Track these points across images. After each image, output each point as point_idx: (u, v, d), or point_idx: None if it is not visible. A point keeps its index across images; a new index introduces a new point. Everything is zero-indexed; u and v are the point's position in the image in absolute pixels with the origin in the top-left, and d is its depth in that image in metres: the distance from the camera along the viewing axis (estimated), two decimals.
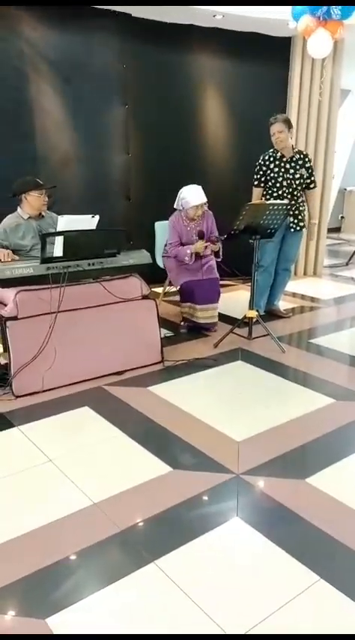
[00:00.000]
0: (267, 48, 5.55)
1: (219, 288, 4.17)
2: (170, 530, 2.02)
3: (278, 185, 4.33)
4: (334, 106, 5.94)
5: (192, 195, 4.14)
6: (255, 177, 4.41)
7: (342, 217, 10.08)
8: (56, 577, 1.78)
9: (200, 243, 4.10)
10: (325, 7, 4.30)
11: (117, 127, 5.06)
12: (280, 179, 4.32)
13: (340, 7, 4.31)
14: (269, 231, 3.88)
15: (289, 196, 4.32)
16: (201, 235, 4.13)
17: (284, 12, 4.66)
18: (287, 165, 4.31)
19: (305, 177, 4.35)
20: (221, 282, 4.26)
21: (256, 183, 4.42)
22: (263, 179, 4.39)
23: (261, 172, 4.37)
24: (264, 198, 4.41)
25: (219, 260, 4.32)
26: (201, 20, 5.07)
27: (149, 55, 5.09)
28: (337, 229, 9.93)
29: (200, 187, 4.18)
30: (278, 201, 4.25)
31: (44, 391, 3.12)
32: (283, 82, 5.76)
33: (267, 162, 4.34)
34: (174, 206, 4.28)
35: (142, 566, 1.83)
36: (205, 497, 2.22)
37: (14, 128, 4.46)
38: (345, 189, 9.93)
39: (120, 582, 1.76)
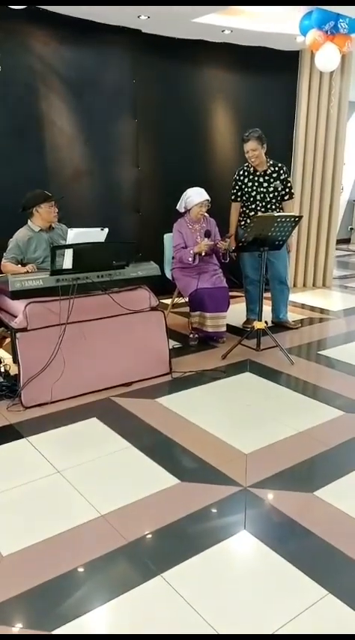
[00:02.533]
0: (276, 62, 5.61)
1: (229, 298, 4.19)
2: (177, 542, 2.01)
3: (251, 199, 4.41)
4: (342, 118, 5.97)
5: (195, 193, 4.23)
6: (232, 191, 4.49)
7: (352, 229, 10.07)
8: (63, 589, 1.78)
9: (204, 242, 4.12)
10: (333, 22, 4.35)
11: (127, 141, 5.12)
12: (253, 193, 4.39)
13: (348, 21, 4.36)
14: (277, 242, 3.90)
15: (263, 210, 4.39)
16: (207, 234, 4.15)
17: (292, 26, 4.72)
18: (261, 179, 4.37)
19: (279, 189, 4.38)
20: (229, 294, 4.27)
21: (233, 197, 4.50)
22: (239, 193, 4.46)
23: (237, 187, 4.46)
24: (241, 212, 4.49)
25: (226, 262, 4.34)
26: (210, 35, 5.13)
27: (159, 70, 5.16)
28: (346, 240, 9.92)
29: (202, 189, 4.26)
30: (286, 213, 4.28)
31: (53, 402, 3.14)
32: (291, 96, 5.80)
33: (242, 177, 4.42)
34: (177, 207, 4.34)
35: (149, 578, 1.82)
36: (213, 510, 2.21)
37: (25, 142, 4.53)
38: (354, 201, 9.93)
39: (127, 595, 1.75)
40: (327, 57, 4.56)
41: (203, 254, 4.18)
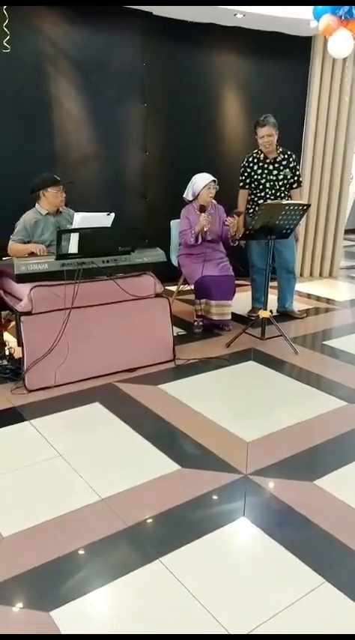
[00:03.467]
0: (288, 47, 5.52)
1: (235, 286, 4.18)
2: (176, 528, 2.02)
3: (260, 187, 4.37)
4: (354, 106, 5.88)
5: (200, 178, 4.19)
6: (241, 178, 4.44)
7: None
8: (62, 570, 1.80)
9: (203, 216, 4.06)
10: (347, 7, 4.26)
11: (135, 126, 5.08)
12: (263, 181, 4.35)
13: None
14: (285, 231, 3.87)
15: (272, 197, 4.34)
16: (202, 209, 4.10)
17: (305, 11, 4.63)
18: (271, 167, 4.32)
19: (288, 177, 4.35)
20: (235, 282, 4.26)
21: (241, 185, 4.45)
22: (247, 181, 4.41)
23: (246, 174, 4.40)
24: (249, 200, 4.45)
25: (234, 245, 4.31)
26: (222, 19, 5.06)
27: (169, 54, 5.10)
28: (354, 231, 9.83)
29: None
30: (295, 201, 4.24)
31: (56, 386, 3.15)
32: (303, 82, 5.72)
33: (251, 164, 4.37)
34: (184, 196, 4.31)
35: (147, 563, 1.84)
36: (212, 497, 2.22)
37: (33, 125, 4.51)
38: None
39: (125, 578, 1.77)
40: (341, 43, 4.46)
41: (205, 233, 4.13)
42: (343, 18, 4.38)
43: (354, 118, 5.93)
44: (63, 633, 1.56)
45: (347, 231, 7.02)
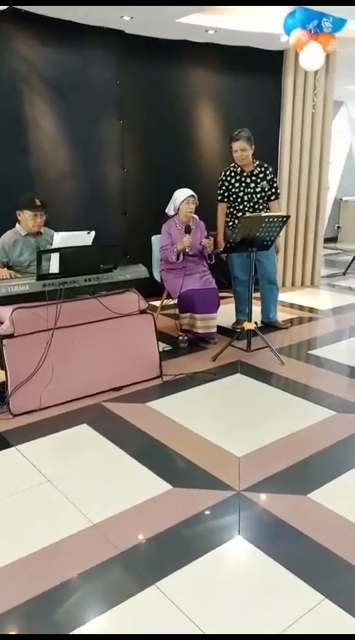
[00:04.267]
0: (260, 61, 5.60)
1: (219, 299, 4.17)
2: (171, 550, 1.98)
3: (239, 200, 4.40)
4: (328, 117, 5.97)
5: (180, 192, 4.23)
6: (219, 192, 4.47)
7: (338, 227, 10.10)
8: (55, 602, 1.74)
9: (186, 238, 4.09)
10: (316, 21, 4.35)
11: (112, 143, 5.08)
12: (241, 194, 4.38)
13: (332, 20, 4.36)
14: (265, 243, 3.88)
15: (251, 210, 4.38)
16: (187, 230, 4.12)
17: (276, 26, 4.71)
18: (248, 180, 4.36)
19: (266, 189, 4.39)
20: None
21: (219, 198, 4.48)
22: (226, 194, 4.44)
23: (224, 188, 4.44)
24: (228, 213, 4.49)
25: (211, 263, 4.33)
26: (194, 36, 5.11)
27: (143, 71, 5.12)
28: (334, 239, 9.95)
29: None
30: (274, 213, 4.26)
31: (42, 409, 3.09)
32: (277, 95, 5.80)
33: (228, 178, 4.41)
34: (166, 211, 4.33)
35: (143, 588, 1.79)
36: (206, 516, 2.18)
37: (9, 144, 4.47)
38: (341, 200, 9.97)
39: (121, 606, 1.72)
40: (311, 56, 4.55)
41: (187, 250, 4.15)
42: (313, 32, 4.46)
43: (328, 129, 6.02)
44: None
45: (326, 240, 7.09)
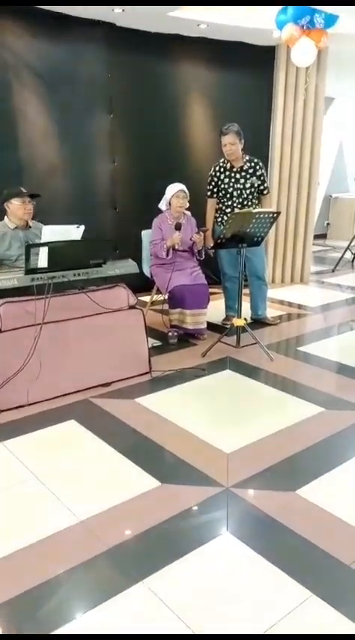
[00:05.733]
0: (252, 57, 5.57)
1: (209, 295, 4.16)
2: (159, 547, 1.97)
3: (228, 195, 4.39)
4: (319, 113, 5.97)
5: (171, 187, 4.22)
6: (208, 187, 4.46)
7: (328, 224, 10.13)
8: (41, 599, 1.73)
9: (176, 234, 4.08)
10: (308, 17, 4.33)
11: (102, 136, 5.04)
12: (230, 189, 4.37)
13: (324, 16, 4.35)
14: (256, 239, 3.88)
15: (239, 206, 4.38)
16: (177, 227, 4.11)
17: (268, 21, 4.69)
18: (237, 175, 4.35)
19: (256, 185, 4.39)
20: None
21: (209, 194, 4.47)
22: (215, 190, 4.43)
23: (213, 183, 4.43)
24: (217, 209, 4.48)
25: (201, 259, 4.32)
26: (186, 30, 5.07)
27: (134, 65, 5.08)
28: (323, 236, 9.98)
29: None
30: (265, 209, 4.26)
31: (29, 405, 3.06)
32: (268, 91, 5.78)
33: (218, 174, 4.40)
34: (159, 205, 4.31)
35: (131, 585, 1.78)
36: (195, 512, 2.18)
37: None
38: (331, 196, 9.99)
39: (108, 603, 1.71)
40: (303, 52, 4.53)
41: (176, 247, 4.13)
42: (305, 27, 4.45)
43: (319, 125, 6.02)
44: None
45: (315, 237, 7.11)
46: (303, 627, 1.62)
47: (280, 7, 4.43)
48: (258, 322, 4.68)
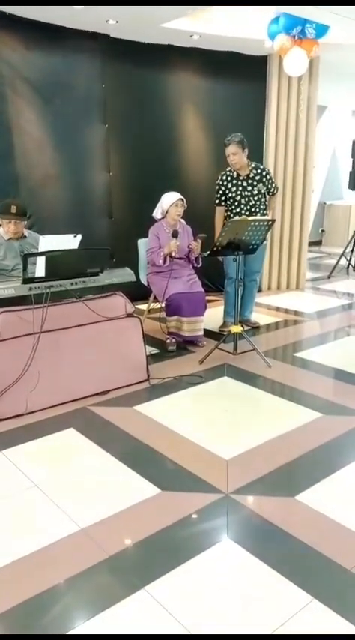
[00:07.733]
0: (244, 67, 5.64)
1: (206, 302, 4.18)
2: (160, 554, 1.97)
3: (236, 203, 4.46)
4: (311, 121, 6.04)
5: (169, 195, 4.24)
6: (216, 196, 4.53)
7: (322, 231, 10.20)
8: (43, 607, 1.73)
9: (173, 242, 4.10)
10: (300, 27, 4.40)
11: (97, 146, 5.07)
12: (238, 197, 4.44)
13: (315, 26, 4.42)
14: (251, 246, 3.90)
15: (248, 213, 4.43)
16: (174, 234, 4.13)
17: (260, 31, 4.75)
18: (244, 183, 4.42)
19: (263, 191, 4.46)
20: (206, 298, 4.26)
21: (217, 202, 4.54)
22: (223, 198, 4.50)
23: (221, 192, 4.49)
24: (226, 216, 4.52)
25: (198, 266, 4.35)
26: (179, 41, 5.13)
27: (128, 75, 5.13)
28: (318, 242, 10.04)
29: None
30: (260, 217, 4.30)
31: (28, 414, 3.06)
32: (261, 100, 5.84)
33: (225, 182, 4.47)
34: (153, 214, 4.32)
35: (132, 592, 1.78)
36: (195, 519, 2.18)
37: None
38: (325, 203, 10.06)
39: (110, 610, 1.71)
40: (295, 62, 4.61)
41: (173, 254, 4.15)
42: (296, 38, 4.52)
43: (312, 133, 6.08)
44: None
45: (310, 244, 7.15)
46: (305, 631, 1.63)
47: (272, 17, 4.50)
48: (247, 325, 4.69)
